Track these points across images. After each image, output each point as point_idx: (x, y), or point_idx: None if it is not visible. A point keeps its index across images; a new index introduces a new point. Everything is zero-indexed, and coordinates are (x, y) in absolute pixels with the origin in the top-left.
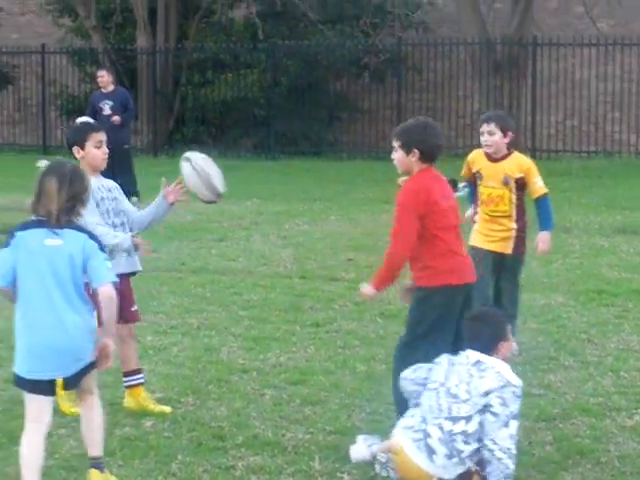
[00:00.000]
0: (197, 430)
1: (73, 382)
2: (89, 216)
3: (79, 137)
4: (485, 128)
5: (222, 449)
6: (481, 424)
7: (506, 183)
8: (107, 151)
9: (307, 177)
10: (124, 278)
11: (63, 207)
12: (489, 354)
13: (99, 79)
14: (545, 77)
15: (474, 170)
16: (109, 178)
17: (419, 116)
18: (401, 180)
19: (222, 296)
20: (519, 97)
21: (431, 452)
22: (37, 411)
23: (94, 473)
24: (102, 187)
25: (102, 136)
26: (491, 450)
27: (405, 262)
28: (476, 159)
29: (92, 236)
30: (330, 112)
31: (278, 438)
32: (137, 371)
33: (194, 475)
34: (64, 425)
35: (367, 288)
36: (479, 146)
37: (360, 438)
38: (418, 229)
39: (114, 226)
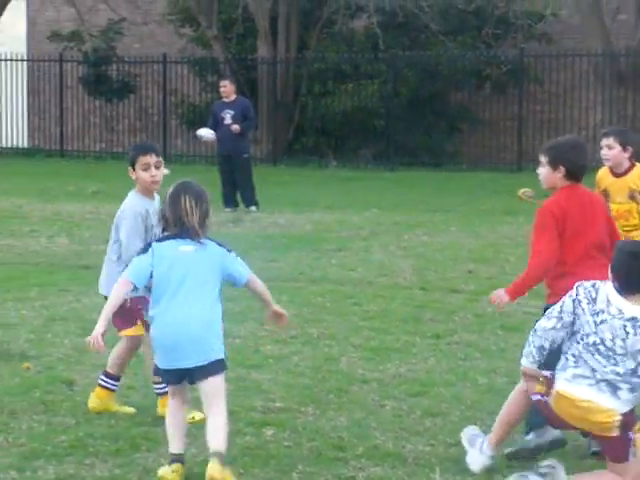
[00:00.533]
0: (317, 440)
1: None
2: (136, 241)
3: (131, 159)
4: (604, 142)
5: (342, 460)
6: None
7: (632, 197)
8: (157, 174)
9: (427, 188)
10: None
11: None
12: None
13: (222, 89)
14: None
15: (602, 189)
16: (230, 186)
17: (569, 134)
18: (522, 192)
19: (341, 306)
20: None
21: (615, 389)
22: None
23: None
24: (155, 213)
25: (150, 159)
26: None
27: (542, 279)
28: (602, 177)
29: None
30: (450, 123)
31: (398, 449)
32: (118, 378)
33: None
34: (185, 434)
35: (502, 294)
36: (601, 159)
37: (466, 446)
38: (558, 247)
39: None
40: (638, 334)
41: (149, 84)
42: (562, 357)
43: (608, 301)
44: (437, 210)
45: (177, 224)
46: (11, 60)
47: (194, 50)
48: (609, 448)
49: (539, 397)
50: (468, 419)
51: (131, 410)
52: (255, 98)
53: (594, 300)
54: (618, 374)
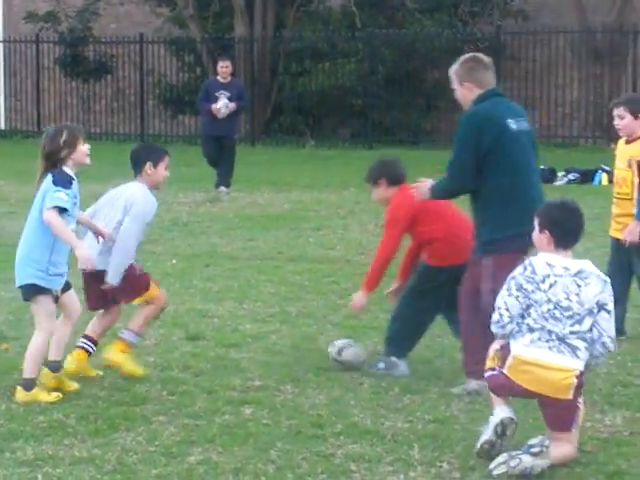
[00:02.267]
0: (296, 418)
1: None
2: (138, 236)
3: (156, 157)
4: (615, 112)
5: (321, 437)
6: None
7: (629, 165)
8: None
9: (405, 166)
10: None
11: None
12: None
13: (223, 69)
14: None
15: (615, 154)
16: (214, 166)
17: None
18: None
19: (320, 285)
20: (619, 85)
21: (574, 349)
22: None
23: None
24: None
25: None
26: (607, 347)
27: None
28: (618, 145)
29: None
30: (427, 101)
31: (377, 427)
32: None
33: (293, 462)
34: (164, 412)
35: None
36: (579, 136)
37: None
38: None
39: None
40: (589, 283)
41: (126, 64)
42: (517, 326)
43: (550, 265)
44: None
45: None
46: None
47: (171, 30)
48: (557, 416)
49: (492, 372)
50: (446, 395)
51: (140, 371)
52: (233, 78)
53: (533, 272)
54: (576, 333)
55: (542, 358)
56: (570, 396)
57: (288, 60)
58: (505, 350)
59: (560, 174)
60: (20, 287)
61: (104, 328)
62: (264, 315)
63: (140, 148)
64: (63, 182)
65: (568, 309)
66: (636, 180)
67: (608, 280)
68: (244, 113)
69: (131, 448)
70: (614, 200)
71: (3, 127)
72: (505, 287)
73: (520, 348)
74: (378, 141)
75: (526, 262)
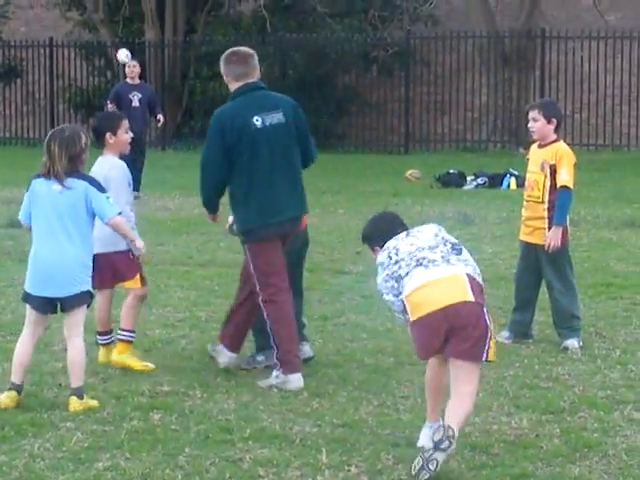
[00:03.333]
0: (205, 423)
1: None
2: (125, 195)
3: (113, 124)
4: (530, 115)
5: (229, 442)
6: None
7: (542, 168)
8: (131, 136)
9: (315, 170)
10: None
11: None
12: None
13: (132, 69)
14: (553, 70)
15: (527, 159)
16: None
17: None
18: (409, 173)
19: (230, 289)
20: (527, 90)
21: (448, 260)
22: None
23: (73, 400)
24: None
25: (127, 123)
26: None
27: None
28: (531, 149)
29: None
30: (338, 105)
31: (285, 431)
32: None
33: (201, 468)
34: (71, 419)
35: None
36: (488, 140)
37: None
38: None
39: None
40: (420, 230)
41: (36, 68)
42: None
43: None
44: (325, 192)
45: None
46: None
47: (81, 34)
48: (470, 345)
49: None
50: (355, 399)
51: (150, 366)
52: (143, 82)
53: (391, 264)
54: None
55: (428, 278)
56: (471, 297)
57: (199, 64)
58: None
59: (469, 178)
60: (70, 296)
61: (110, 311)
62: (173, 320)
63: (96, 120)
64: (102, 187)
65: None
66: (548, 184)
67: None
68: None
69: (39, 454)
70: (524, 203)
71: None
72: (381, 290)
73: (409, 287)
74: None
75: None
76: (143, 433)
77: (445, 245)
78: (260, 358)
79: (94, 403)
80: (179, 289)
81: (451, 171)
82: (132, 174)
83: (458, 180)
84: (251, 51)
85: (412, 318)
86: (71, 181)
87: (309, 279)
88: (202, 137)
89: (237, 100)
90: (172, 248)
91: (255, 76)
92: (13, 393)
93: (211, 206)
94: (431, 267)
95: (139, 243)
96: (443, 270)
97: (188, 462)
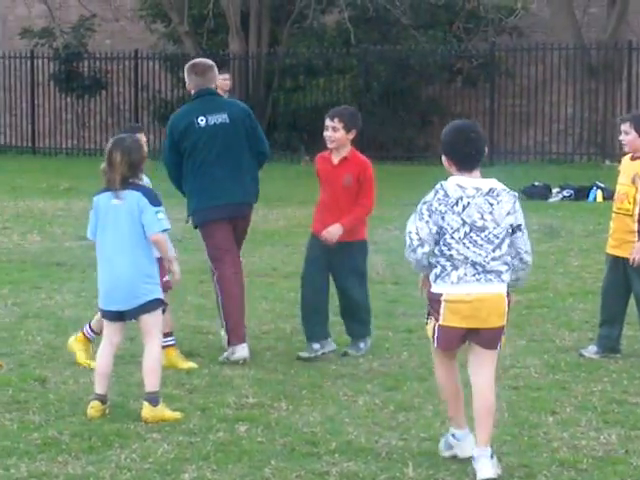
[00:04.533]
0: (290, 435)
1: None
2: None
3: None
4: (622, 128)
5: (315, 455)
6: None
7: (633, 181)
8: None
9: (399, 182)
10: None
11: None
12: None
13: (225, 82)
14: None
15: (618, 170)
16: None
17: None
18: None
19: None
20: (614, 102)
21: (499, 274)
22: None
23: (145, 406)
24: None
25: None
26: (525, 261)
27: None
28: (622, 161)
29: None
30: (422, 117)
31: (371, 444)
32: (169, 334)
33: None
34: (157, 430)
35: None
36: (573, 152)
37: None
38: None
39: None
40: (500, 201)
41: (120, 80)
42: (436, 267)
43: (461, 187)
44: (409, 204)
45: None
46: None
47: (165, 46)
48: (488, 339)
49: (435, 333)
50: (441, 413)
51: (194, 365)
52: (232, 94)
53: (446, 196)
54: (498, 258)
55: (472, 292)
56: (504, 322)
57: (282, 76)
58: (435, 305)
59: (555, 190)
60: (133, 308)
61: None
62: (259, 332)
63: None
64: (157, 200)
65: (483, 229)
66: (639, 197)
67: (516, 194)
68: None
69: (125, 465)
70: (613, 216)
71: None
72: (416, 212)
73: (448, 288)
74: (372, 157)
75: (437, 187)
76: (229, 445)
77: (500, 234)
78: (362, 345)
79: (175, 414)
80: (264, 301)
81: (536, 183)
82: None
83: (543, 192)
84: (210, 62)
85: (441, 322)
86: (127, 193)
87: (394, 292)
88: (285, 149)
89: (188, 104)
90: (257, 260)
91: (211, 85)
92: (96, 403)
93: (181, 192)
94: (482, 279)
95: (176, 267)
96: (492, 287)
97: (274, 474)
